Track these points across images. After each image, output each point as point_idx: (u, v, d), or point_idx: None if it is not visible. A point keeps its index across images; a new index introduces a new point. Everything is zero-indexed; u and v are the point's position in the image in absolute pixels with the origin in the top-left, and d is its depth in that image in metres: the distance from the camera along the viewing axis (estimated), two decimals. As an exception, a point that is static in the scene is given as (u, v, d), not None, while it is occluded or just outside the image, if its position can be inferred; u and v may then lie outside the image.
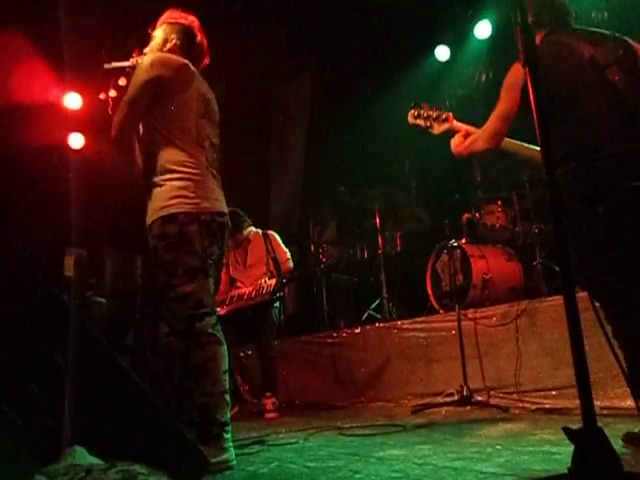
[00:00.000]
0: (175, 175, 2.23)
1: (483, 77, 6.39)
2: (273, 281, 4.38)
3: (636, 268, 1.96)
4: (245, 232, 4.70)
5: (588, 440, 1.04)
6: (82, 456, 1.10)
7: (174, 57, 2.37)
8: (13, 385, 1.21)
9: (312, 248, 6.11)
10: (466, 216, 4.45)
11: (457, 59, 6.34)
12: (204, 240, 2.22)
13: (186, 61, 2.38)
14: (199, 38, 2.53)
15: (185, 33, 2.49)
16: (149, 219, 2.27)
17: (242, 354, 4.80)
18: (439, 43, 6.32)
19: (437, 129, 2.63)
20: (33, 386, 1.18)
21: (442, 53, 6.34)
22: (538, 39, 2.23)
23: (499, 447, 2.06)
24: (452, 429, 2.72)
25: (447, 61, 6.37)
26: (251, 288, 4.48)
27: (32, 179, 5.65)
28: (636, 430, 1.88)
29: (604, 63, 2.11)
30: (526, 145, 2.36)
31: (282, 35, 6.31)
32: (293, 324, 5.56)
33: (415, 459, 1.99)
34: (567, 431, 1.08)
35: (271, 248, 4.64)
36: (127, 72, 2.54)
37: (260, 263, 4.66)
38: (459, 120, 2.60)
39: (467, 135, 2.44)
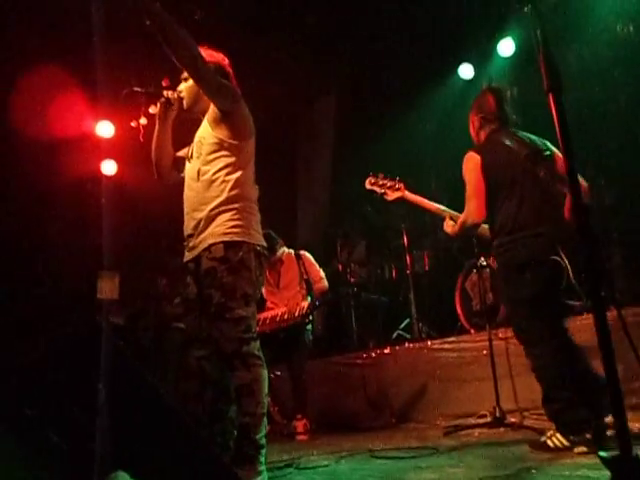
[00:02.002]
0: (240, 206, 2.38)
1: (507, 94, 6.39)
2: (306, 303, 4.39)
3: (548, 320, 2.56)
4: (278, 253, 4.70)
5: (624, 468, 1.03)
6: (125, 481, 1.14)
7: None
8: (57, 411, 1.26)
9: (340, 268, 6.13)
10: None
11: (481, 77, 6.35)
12: (257, 270, 2.37)
13: None
14: (230, 74, 2.62)
15: (218, 71, 2.55)
16: (207, 241, 2.36)
17: (272, 375, 4.82)
18: (463, 61, 6.36)
19: (390, 196, 3.17)
20: (76, 412, 1.23)
21: (466, 71, 6.37)
22: (484, 135, 2.86)
23: (534, 471, 2.03)
24: (485, 451, 2.68)
25: (471, 79, 6.39)
26: (284, 310, 4.49)
27: (67, 207, 5.84)
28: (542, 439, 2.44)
29: (534, 162, 2.66)
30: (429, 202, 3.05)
31: (307, 57, 6.42)
32: (322, 345, 5.56)
33: (448, 483, 1.98)
34: (602, 458, 1.08)
35: (304, 269, 4.65)
36: (155, 99, 2.63)
37: (293, 284, 4.67)
38: (410, 190, 3.14)
39: (436, 211, 3.03)
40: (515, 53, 5.94)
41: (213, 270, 2.31)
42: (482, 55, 6.29)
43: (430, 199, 3.16)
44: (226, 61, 2.65)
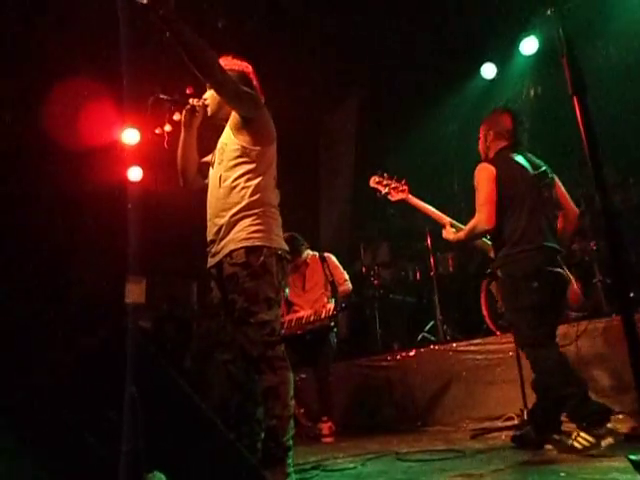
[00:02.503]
0: (261, 211, 2.41)
1: (531, 93, 6.34)
2: (332, 305, 4.41)
3: (551, 326, 2.79)
4: (303, 256, 4.72)
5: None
6: (161, 482, 1.17)
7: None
8: (93, 414, 1.31)
9: (363, 270, 6.14)
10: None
11: (503, 76, 6.30)
12: (279, 273, 2.39)
13: None
14: (255, 82, 2.66)
15: (242, 78, 2.60)
16: (228, 246, 2.40)
17: (297, 378, 4.84)
18: (485, 61, 6.32)
19: (394, 197, 3.26)
20: (111, 414, 1.27)
21: (488, 71, 6.32)
22: (493, 150, 3.01)
23: (563, 474, 2.02)
24: (513, 455, 2.66)
25: (493, 79, 6.34)
26: (310, 312, 4.51)
27: (94, 213, 5.96)
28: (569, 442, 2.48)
29: (540, 183, 2.87)
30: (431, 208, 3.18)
31: (329, 61, 6.44)
32: (347, 347, 5.58)
33: (476, 486, 1.97)
34: (632, 461, 1.07)
35: (329, 271, 4.66)
36: (180, 106, 2.68)
37: (318, 287, 4.68)
38: (413, 194, 3.25)
39: (437, 217, 3.18)
40: (538, 51, 5.87)
41: (235, 276, 2.34)
42: (504, 54, 6.24)
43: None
44: (250, 69, 2.69)
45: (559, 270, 2.74)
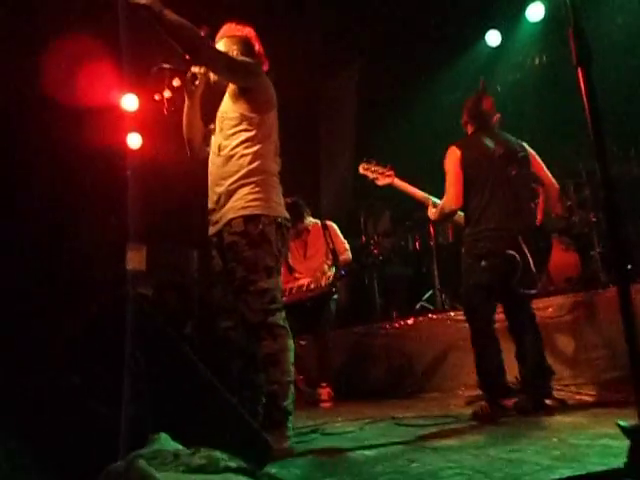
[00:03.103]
0: (260, 179, 2.41)
1: (536, 61, 6.24)
2: (332, 272, 4.44)
3: (493, 305, 3.02)
4: (305, 222, 4.74)
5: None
6: (167, 442, 1.21)
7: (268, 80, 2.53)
8: (97, 378, 1.34)
9: (363, 239, 6.15)
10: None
11: (508, 44, 6.21)
12: (278, 241, 2.40)
13: None
14: (257, 47, 2.64)
15: (244, 44, 2.60)
16: (227, 215, 2.41)
17: (296, 344, 4.90)
18: (490, 28, 6.20)
19: (381, 182, 3.48)
20: (116, 379, 1.31)
21: (493, 38, 6.22)
22: (470, 130, 3.18)
23: (555, 439, 2.07)
24: (507, 420, 2.73)
25: (498, 46, 6.24)
26: (310, 279, 4.54)
27: (93, 178, 5.94)
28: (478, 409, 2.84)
29: (508, 161, 2.99)
30: (413, 188, 3.37)
31: (329, 28, 6.33)
32: (346, 315, 5.64)
33: (470, 450, 2.03)
34: (621, 427, 1.11)
35: (330, 239, 4.65)
36: (181, 74, 2.66)
37: (319, 254, 4.70)
38: (399, 177, 3.45)
39: (421, 198, 3.34)
40: (545, 17, 5.76)
41: (234, 244, 2.36)
42: (510, 20, 6.12)
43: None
44: (252, 34, 2.66)
45: (512, 253, 2.82)
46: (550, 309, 3.60)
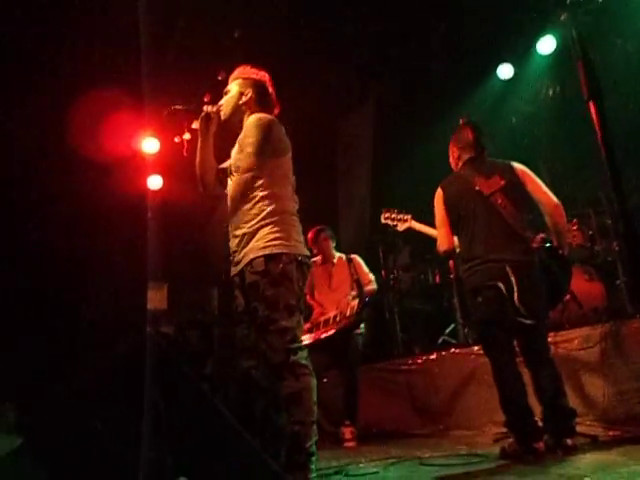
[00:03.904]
0: (279, 219, 2.45)
1: (550, 92, 6.28)
2: (356, 302, 4.39)
3: (499, 336, 2.86)
4: (332, 246, 4.75)
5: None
6: (187, 488, 1.20)
7: (277, 120, 2.58)
8: (118, 422, 1.34)
9: (383, 274, 6.13)
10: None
11: (520, 77, 6.26)
12: (299, 280, 2.42)
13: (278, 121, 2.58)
14: (270, 91, 2.71)
15: (258, 87, 2.68)
16: (248, 256, 2.44)
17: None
18: (501, 61, 6.28)
19: (401, 227, 3.66)
20: (138, 424, 1.30)
21: (505, 71, 6.28)
22: (461, 164, 3.14)
23: (587, 479, 2.00)
24: (536, 458, 2.64)
25: (510, 79, 6.30)
26: (335, 312, 4.45)
27: (116, 221, 6.06)
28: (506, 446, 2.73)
29: (488, 192, 2.93)
30: (430, 229, 3.38)
31: (345, 66, 6.47)
32: (367, 351, 5.58)
33: (499, 491, 1.97)
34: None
35: (354, 271, 4.63)
36: (196, 115, 2.73)
37: (344, 287, 4.64)
38: (418, 220, 3.60)
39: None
40: (556, 49, 5.82)
41: (256, 284, 2.37)
42: (521, 54, 6.19)
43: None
44: (266, 78, 2.74)
45: (497, 284, 2.77)
46: (576, 341, 3.53)
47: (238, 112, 2.66)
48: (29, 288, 5.16)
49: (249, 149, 2.49)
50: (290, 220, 2.50)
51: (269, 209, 2.45)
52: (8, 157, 5.28)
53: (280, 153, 2.55)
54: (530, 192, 2.97)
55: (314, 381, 2.35)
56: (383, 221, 3.74)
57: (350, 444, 4.14)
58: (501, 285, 2.76)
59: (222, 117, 2.66)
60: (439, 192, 3.10)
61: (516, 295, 2.72)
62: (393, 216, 3.68)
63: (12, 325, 4.81)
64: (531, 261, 2.86)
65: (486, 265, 2.84)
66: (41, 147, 5.46)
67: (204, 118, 2.62)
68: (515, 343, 2.94)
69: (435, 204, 3.11)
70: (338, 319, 4.39)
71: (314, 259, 4.69)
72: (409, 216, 3.61)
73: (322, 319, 4.53)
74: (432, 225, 3.41)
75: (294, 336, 2.34)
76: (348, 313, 4.33)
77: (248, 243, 2.45)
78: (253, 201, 2.48)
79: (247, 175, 2.51)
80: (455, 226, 3.03)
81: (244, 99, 2.66)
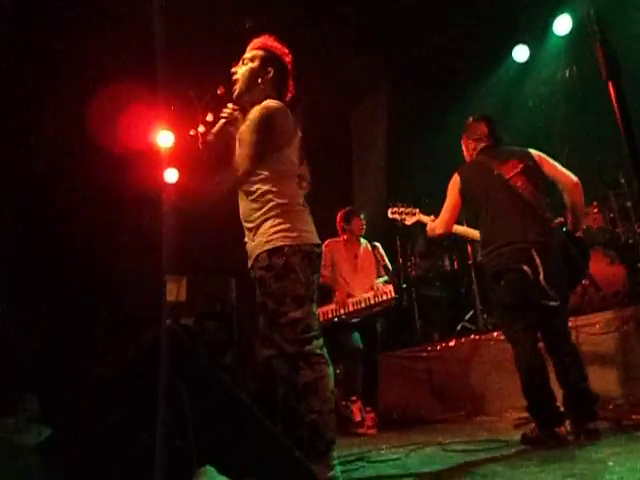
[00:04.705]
0: (281, 210, 2.40)
1: (567, 73, 6.17)
2: (390, 287, 4.39)
3: (523, 323, 2.81)
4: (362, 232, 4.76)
5: None
6: (213, 476, 1.22)
7: (284, 109, 2.47)
8: (143, 413, 1.37)
9: (401, 261, 6.12)
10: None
11: (537, 58, 6.16)
12: (307, 269, 2.37)
13: (287, 111, 2.48)
14: (290, 74, 2.63)
15: (280, 67, 2.58)
16: (254, 251, 2.43)
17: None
18: (517, 43, 6.19)
19: (409, 221, 3.58)
20: (162, 414, 1.33)
21: (521, 53, 6.19)
22: (475, 155, 3.15)
23: (611, 463, 1.98)
24: (559, 444, 2.62)
25: (526, 61, 6.20)
26: (371, 294, 4.47)
27: (133, 215, 6.12)
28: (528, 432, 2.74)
29: (508, 176, 2.92)
30: (471, 230, 3.29)
31: (356, 52, 6.41)
32: (386, 339, 5.58)
33: (521, 476, 1.97)
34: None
35: (380, 257, 4.66)
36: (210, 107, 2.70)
37: (370, 270, 4.66)
38: (424, 213, 3.51)
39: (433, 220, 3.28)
40: (572, 30, 5.71)
41: (262, 279, 2.37)
42: (537, 35, 6.09)
43: None
44: (290, 58, 2.63)
45: (522, 266, 2.73)
46: (597, 325, 3.49)
47: (253, 90, 2.54)
48: (51, 281, 5.25)
49: (247, 150, 2.42)
50: (294, 210, 2.44)
51: (272, 203, 2.41)
52: (32, 151, 5.35)
53: (282, 145, 2.46)
54: (548, 173, 2.97)
55: (330, 370, 2.34)
56: (390, 216, 3.68)
57: (371, 431, 4.16)
58: (526, 267, 2.72)
59: (236, 92, 2.56)
60: (455, 178, 3.09)
61: (542, 275, 2.68)
62: (401, 210, 3.63)
63: (35, 317, 4.90)
64: (553, 242, 2.82)
65: (509, 247, 2.80)
66: (64, 141, 5.51)
67: (225, 124, 2.52)
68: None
69: (449, 189, 3.10)
70: (378, 301, 4.38)
71: (337, 239, 4.76)
72: (417, 210, 3.57)
73: (353, 300, 4.49)
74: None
75: (306, 326, 2.32)
76: (386, 297, 4.35)
77: (254, 238, 2.44)
78: (256, 194, 2.45)
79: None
80: (474, 212, 3.02)
81: (265, 77, 2.54)
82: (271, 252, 2.35)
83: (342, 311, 4.43)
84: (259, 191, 2.44)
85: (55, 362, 4.42)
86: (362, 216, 4.82)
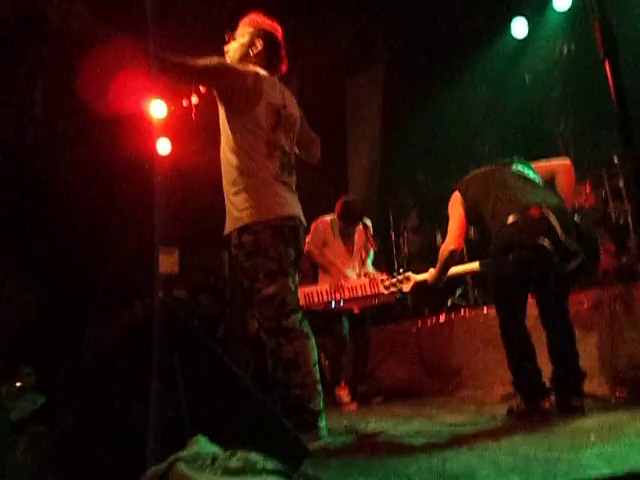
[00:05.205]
0: (245, 186, 2.37)
1: (565, 50, 6.11)
2: (384, 276, 4.19)
3: (518, 297, 2.82)
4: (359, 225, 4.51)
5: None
6: (205, 444, 1.24)
7: (251, 69, 2.46)
8: (136, 382, 1.39)
9: (392, 236, 6.14)
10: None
11: (535, 34, 6.10)
12: (278, 244, 2.35)
13: (258, 73, 2.45)
14: (281, 46, 2.62)
15: (270, 40, 2.58)
16: (227, 229, 2.43)
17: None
18: (515, 17, 6.11)
19: (406, 287, 3.34)
20: (155, 383, 1.35)
21: (519, 29, 6.12)
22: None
23: (593, 438, 2.03)
24: (543, 418, 2.68)
25: (525, 37, 6.14)
26: (367, 281, 4.34)
27: (125, 184, 6.08)
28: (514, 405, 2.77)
29: (508, 164, 2.99)
30: (468, 265, 3.35)
31: (353, 24, 6.31)
32: (376, 313, 5.62)
33: (506, 448, 2.01)
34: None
35: (369, 236, 4.44)
36: None
37: (361, 250, 4.56)
38: (415, 272, 3.35)
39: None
40: (572, 6, 5.64)
41: (236, 257, 2.38)
42: (536, 11, 6.02)
43: (477, 164, 3.30)
44: (280, 32, 2.63)
45: (537, 241, 2.61)
46: (585, 303, 3.53)
47: (245, 62, 2.54)
48: (46, 252, 5.23)
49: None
50: (262, 182, 2.37)
51: (238, 172, 2.37)
52: (21, 121, 5.27)
53: (246, 105, 2.38)
54: (539, 169, 2.99)
55: (311, 342, 2.34)
56: (386, 291, 3.42)
57: (350, 407, 4.13)
58: (542, 241, 2.59)
59: (228, 60, 2.56)
60: (455, 194, 3.06)
61: (559, 231, 2.59)
62: (394, 281, 3.38)
63: (30, 289, 4.90)
64: (567, 208, 2.77)
65: (521, 216, 2.68)
66: (49, 104, 5.42)
67: None
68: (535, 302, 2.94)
69: (451, 207, 3.05)
70: (375, 291, 4.26)
71: (332, 219, 4.54)
72: (409, 273, 3.35)
73: (349, 284, 4.37)
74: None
75: (282, 300, 2.32)
76: (385, 291, 4.19)
77: (227, 214, 2.43)
78: (226, 164, 2.43)
79: (223, 135, 2.45)
80: (477, 211, 2.94)
81: (254, 51, 2.55)
82: (240, 230, 2.34)
83: (338, 295, 4.32)
84: (228, 159, 2.41)
85: (50, 332, 4.45)
86: (367, 223, 4.52)
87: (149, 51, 2.22)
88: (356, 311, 4.34)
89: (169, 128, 6.29)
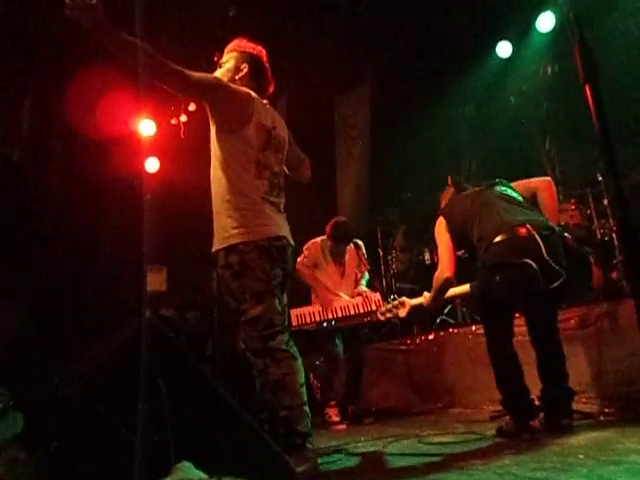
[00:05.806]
0: (234, 205, 2.36)
1: (549, 70, 6.24)
2: (378, 295, 4.26)
3: (505, 316, 2.84)
4: (350, 246, 4.48)
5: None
6: (190, 471, 1.22)
7: (243, 89, 2.48)
8: (121, 405, 1.36)
9: (381, 254, 6.16)
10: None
11: (520, 55, 6.22)
12: (265, 264, 2.33)
13: (250, 94, 2.48)
14: (267, 68, 2.65)
15: (254, 62, 2.61)
16: (214, 248, 2.41)
17: (317, 362, 4.82)
18: (500, 39, 6.23)
19: (402, 313, 3.37)
20: (141, 407, 1.32)
21: (504, 49, 6.24)
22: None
23: (582, 456, 2.03)
24: (531, 436, 2.68)
25: (509, 57, 6.26)
26: (357, 300, 4.33)
27: (113, 203, 6.05)
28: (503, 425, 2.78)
29: (487, 186, 3.06)
30: (459, 288, 3.24)
31: (341, 44, 6.39)
32: (366, 332, 5.61)
33: (495, 469, 2.00)
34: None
35: (362, 257, 4.40)
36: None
37: (352, 272, 4.56)
38: (410, 297, 3.40)
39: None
40: (555, 27, 5.76)
41: (222, 277, 2.36)
42: (520, 32, 6.14)
43: (465, 181, 3.49)
44: (263, 53, 2.67)
45: (523, 260, 2.63)
46: (573, 320, 3.55)
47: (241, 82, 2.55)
48: (31, 273, 5.17)
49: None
50: (250, 201, 2.36)
51: (225, 191, 2.37)
52: (10, 138, 5.25)
53: (235, 123, 2.39)
54: (519, 187, 3.04)
55: (297, 363, 2.31)
56: (383, 318, 3.44)
57: (339, 427, 4.10)
58: (529, 261, 2.61)
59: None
60: (440, 219, 3.08)
61: (544, 250, 2.60)
62: (390, 307, 3.41)
63: (12, 307, 4.83)
64: (553, 228, 2.77)
65: (506, 235, 2.71)
66: (38, 128, 5.41)
67: None
68: (523, 322, 2.95)
69: (437, 234, 3.06)
70: (367, 310, 4.25)
71: (323, 241, 4.55)
72: (404, 298, 3.39)
73: (339, 306, 4.35)
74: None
75: (268, 322, 2.30)
76: (374, 307, 4.19)
77: (215, 228, 2.41)
78: (215, 182, 2.43)
79: (212, 153, 2.46)
80: (465, 236, 2.96)
81: (240, 74, 2.58)
82: (227, 251, 2.33)
83: (330, 315, 4.30)
84: (217, 177, 2.41)
85: (32, 352, 4.38)
86: (359, 244, 4.45)
87: (149, 52, 2.18)
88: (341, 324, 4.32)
89: (158, 146, 6.29)
